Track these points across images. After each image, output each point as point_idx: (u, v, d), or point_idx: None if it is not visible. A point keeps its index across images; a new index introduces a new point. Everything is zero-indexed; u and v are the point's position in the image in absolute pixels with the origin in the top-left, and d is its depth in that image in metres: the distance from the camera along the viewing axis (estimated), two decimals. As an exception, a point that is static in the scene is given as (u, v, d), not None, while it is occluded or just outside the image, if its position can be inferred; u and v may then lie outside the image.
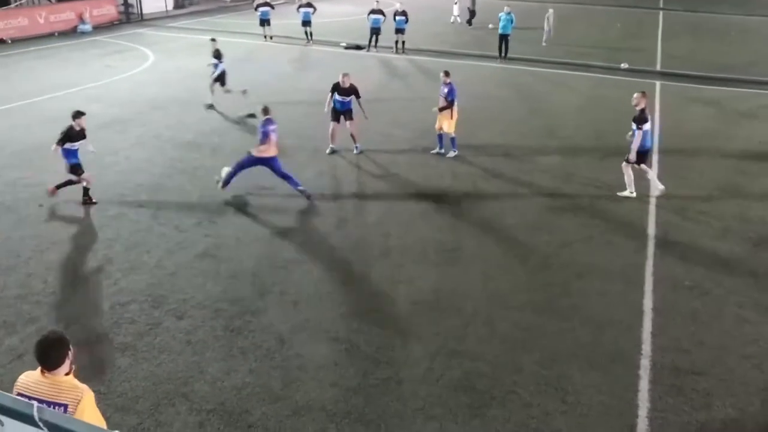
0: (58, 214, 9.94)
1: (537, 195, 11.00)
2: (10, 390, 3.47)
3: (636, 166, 10.68)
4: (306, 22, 24.08)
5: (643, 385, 6.43)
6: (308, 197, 10.52)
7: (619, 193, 10.84)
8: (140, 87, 17.67)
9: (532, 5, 34.27)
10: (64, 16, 26.40)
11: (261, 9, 24.75)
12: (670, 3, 38.01)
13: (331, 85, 12.72)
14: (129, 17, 29.41)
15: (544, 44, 23.96)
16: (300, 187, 10.57)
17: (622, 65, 20.97)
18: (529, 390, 6.31)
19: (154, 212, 10.05)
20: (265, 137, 10.23)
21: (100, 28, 26.87)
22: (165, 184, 11.17)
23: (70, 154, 10.10)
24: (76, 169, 10.18)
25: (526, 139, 13.95)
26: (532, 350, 6.91)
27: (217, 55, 15.66)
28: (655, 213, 10.35)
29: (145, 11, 30.16)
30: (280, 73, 19.65)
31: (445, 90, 12.30)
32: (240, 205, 10.34)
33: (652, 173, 10.99)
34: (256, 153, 10.32)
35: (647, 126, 10.56)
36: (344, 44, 24.18)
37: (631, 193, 10.82)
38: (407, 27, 22.70)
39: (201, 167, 11.90)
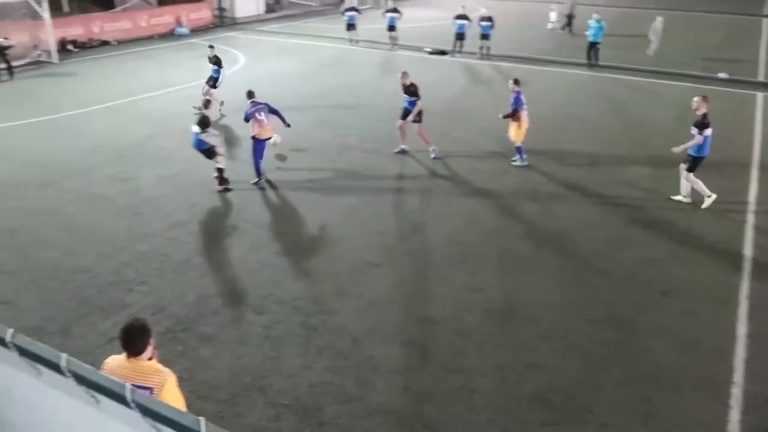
0: (150, 206, 10.45)
1: (622, 207, 10.62)
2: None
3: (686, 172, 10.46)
4: (391, 27, 24.27)
5: (734, 416, 6.04)
6: (258, 185, 11.13)
7: (672, 197, 10.71)
8: (231, 88, 18.31)
9: (624, 11, 33.18)
10: (164, 20, 27.84)
11: (348, 14, 25.23)
12: (776, 9, 35.70)
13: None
14: (223, 21, 30.66)
15: (651, 54, 22.66)
16: (256, 181, 11.22)
17: (720, 75, 19.89)
18: (607, 410, 6.08)
19: (239, 210, 10.40)
20: (246, 120, 11.22)
21: (196, 31, 28.15)
22: (250, 183, 11.51)
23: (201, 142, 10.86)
24: (211, 153, 10.99)
25: (613, 148, 13.49)
26: (611, 368, 6.66)
27: (217, 62, 15.75)
28: (753, 231, 9.74)
29: (237, 15, 31.39)
30: (362, 78, 19.90)
31: (512, 98, 12.14)
32: (318, 208, 10.53)
33: (701, 184, 10.52)
34: (257, 136, 11.19)
35: (708, 132, 10.20)
36: (428, 49, 24.19)
37: (708, 197, 10.46)
38: (492, 33, 22.47)
39: (282, 167, 12.19)
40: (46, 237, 9.38)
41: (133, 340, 3.92)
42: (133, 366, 3.91)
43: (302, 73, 20.38)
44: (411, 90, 12.59)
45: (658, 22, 23.07)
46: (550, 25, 29.18)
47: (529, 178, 11.81)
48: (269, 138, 11.43)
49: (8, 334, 2.86)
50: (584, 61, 21.43)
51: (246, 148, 12.26)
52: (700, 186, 10.46)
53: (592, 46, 21.16)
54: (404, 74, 12.77)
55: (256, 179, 11.31)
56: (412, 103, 12.65)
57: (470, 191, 11.27)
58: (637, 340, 7.12)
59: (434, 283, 8.27)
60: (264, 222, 9.95)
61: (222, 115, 15.54)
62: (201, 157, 11.77)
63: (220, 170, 11.10)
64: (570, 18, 27.99)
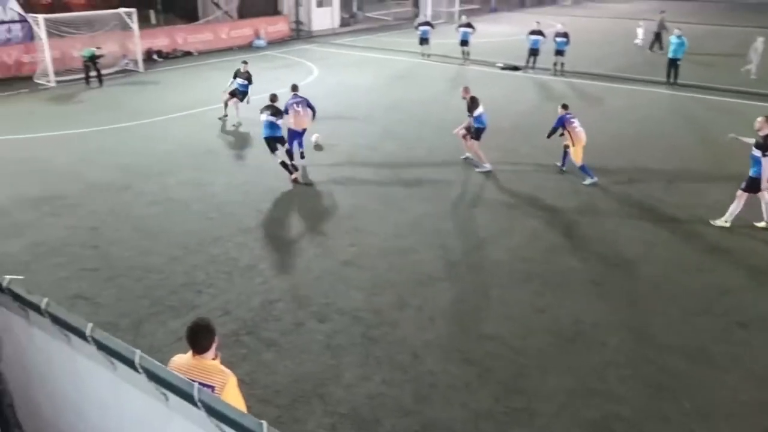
0: (221, 212, 10.80)
1: (699, 231, 10.18)
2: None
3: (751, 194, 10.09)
4: (464, 42, 24.27)
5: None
6: (296, 177, 11.99)
7: (713, 221, 10.34)
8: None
9: (711, 29, 31.99)
10: (243, 32, 28.86)
11: (421, 28, 25.41)
12: None
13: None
14: (299, 34, 31.51)
15: (752, 76, 21.37)
16: (297, 162, 12.39)
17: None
18: (674, 443, 5.82)
19: (304, 219, 10.61)
20: (286, 111, 12.31)
21: (273, 43, 29.03)
22: (317, 192, 11.74)
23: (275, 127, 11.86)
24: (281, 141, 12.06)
25: (690, 169, 12.96)
26: (681, 400, 6.36)
27: (248, 77, 15.93)
28: (842, 264, 9.12)
29: (313, 29, 32.17)
30: (433, 92, 19.94)
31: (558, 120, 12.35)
32: (382, 220, 10.60)
33: None
34: (293, 127, 12.45)
35: None
36: (501, 64, 24.03)
37: (726, 222, 10.25)
38: (567, 49, 22.11)
39: (352, 179, 12.37)
40: (124, 237, 9.85)
41: (199, 339, 4.10)
42: (197, 364, 4.07)
43: (373, 85, 20.64)
44: (470, 104, 12.88)
45: (759, 42, 21.81)
46: (638, 42, 28.28)
47: (599, 197, 11.51)
48: (305, 129, 12.78)
49: (88, 328, 3.03)
50: (664, 78, 20.74)
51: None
52: (736, 209, 10.14)
53: (672, 62, 20.44)
54: (465, 89, 13.24)
55: (291, 163, 12.28)
56: (477, 119, 12.81)
57: (536, 208, 11.07)
58: (710, 373, 6.78)
59: (497, 301, 8.15)
60: (328, 231, 10.10)
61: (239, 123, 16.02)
62: (269, 165, 12.12)
63: (285, 163, 12.02)
64: (658, 35, 26.86)
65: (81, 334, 3.04)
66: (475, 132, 12.81)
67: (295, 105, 12.52)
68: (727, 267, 9.06)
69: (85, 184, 12.01)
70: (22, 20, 21.62)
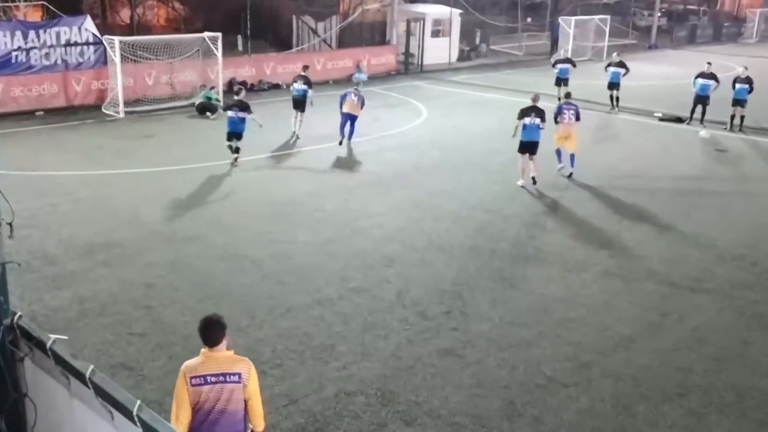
0: (300, 277, 11.02)
1: None
2: None
3: None
4: (613, 85, 24.03)
5: None
6: (340, 143, 18.73)
7: None
8: (408, 146, 19.17)
9: None
10: (342, 64, 30.17)
11: (560, 66, 25.50)
12: None
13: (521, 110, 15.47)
14: (408, 68, 32.47)
15: None
16: (347, 138, 18.83)
17: None
18: None
19: (400, 291, 10.60)
20: (343, 99, 18.80)
21: (376, 77, 30.03)
22: (416, 260, 11.77)
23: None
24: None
25: None
26: None
27: (306, 81, 19.77)
28: None
29: (426, 62, 33.03)
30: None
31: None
32: (498, 301, 10.41)
33: None
34: (348, 111, 18.58)
35: None
36: (660, 114, 23.53)
37: None
38: (749, 98, 21.31)
39: (459, 246, 12.32)
40: (182, 298, 10.22)
41: (213, 331, 5.28)
42: (216, 356, 5.28)
43: (493, 133, 20.66)
44: (537, 112, 15.50)
45: None
46: None
47: None
48: (352, 113, 18.65)
49: (135, 406, 3.11)
50: None
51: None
52: None
53: None
54: (536, 96, 16.11)
55: (340, 139, 18.63)
56: (537, 128, 15.38)
57: (701, 303, 10.51)
58: None
59: (641, 421, 7.69)
60: (427, 311, 10.02)
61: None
62: (359, 223, 12.43)
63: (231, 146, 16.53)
64: None
65: (127, 413, 3.12)
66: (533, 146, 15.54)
67: (350, 96, 18.81)
68: None
69: (147, 231, 12.70)
70: (97, 42, 23.64)
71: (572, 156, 16.51)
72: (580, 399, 8.06)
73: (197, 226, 12.96)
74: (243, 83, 26.66)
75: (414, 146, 19.18)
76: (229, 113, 16.72)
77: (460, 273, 11.30)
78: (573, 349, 9.10)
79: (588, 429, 7.55)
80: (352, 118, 18.73)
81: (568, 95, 17.17)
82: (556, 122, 16.39)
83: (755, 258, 12.11)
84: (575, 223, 13.66)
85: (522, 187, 15.61)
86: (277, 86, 27.78)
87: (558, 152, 16.62)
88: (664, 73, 32.50)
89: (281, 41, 31.72)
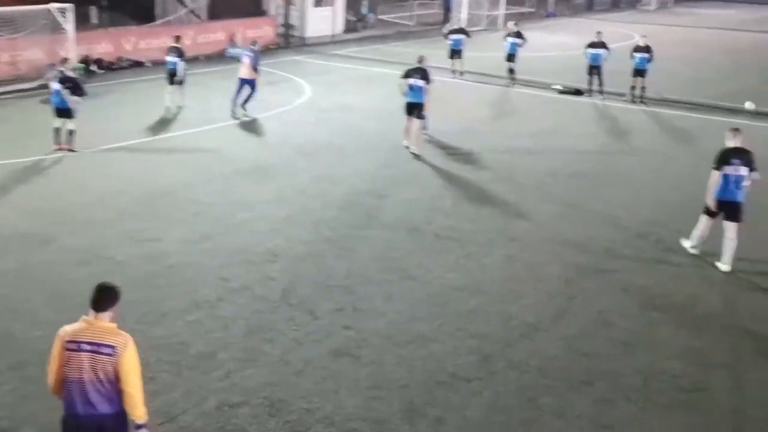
0: (172, 280, 10.78)
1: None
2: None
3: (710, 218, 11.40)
4: (511, 57, 24.67)
5: None
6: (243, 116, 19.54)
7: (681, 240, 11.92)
8: (291, 127, 19.06)
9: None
10: (214, 38, 29.63)
11: (453, 37, 25.89)
12: None
13: None
14: (288, 42, 32.21)
15: None
16: (241, 108, 19.62)
17: None
18: None
19: (286, 289, 10.54)
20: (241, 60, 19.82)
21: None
22: (304, 253, 11.73)
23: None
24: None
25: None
26: None
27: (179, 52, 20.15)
28: None
29: (308, 35, 32.86)
30: (466, 122, 20.14)
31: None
32: (394, 294, 10.53)
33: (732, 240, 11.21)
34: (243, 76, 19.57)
35: (729, 169, 11.10)
36: (559, 87, 24.34)
37: (692, 248, 11.87)
38: (650, 68, 22.33)
39: (350, 236, 12.37)
40: (35, 310, 9.76)
41: (102, 295, 5.57)
42: (95, 323, 5.49)
43: (384, 111, 20.81)
44: (420, 73, 16.61)
45: None
46: None
47: (700, 273, 11.41)
48: (245, 77, 19.66)
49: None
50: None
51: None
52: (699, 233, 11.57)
53: None
54: (421, 57, 17.18)
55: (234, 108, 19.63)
56: (420, 90, 16.51)
57: (606, 286, 10.97)
58: None
59: (548, 412, 7.97)
60: (315, 309, 10.01)
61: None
62: (238, 215, 12.30)
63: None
64: None
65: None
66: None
67: (244, 58, 19.83)
68: None
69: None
70: None
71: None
72: (484, 394, 8.26)
73: (53, 228, 12.39)
74: (98, 61, 25.79)
75: (297, 128, 19.07)
76: (55, 86, 16.22)
77: (352, 265, 11.34)
78: (475, 342, 9.31)
79: (493, 425, 7.75)
80: (247, 83, 19.55)
81: (420, 60, 17.48)
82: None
83: (661, 235, 12.73)
84: (474, 206, 13.94)
85: (407, 147, 17.03)
86: (139, 64, 26.99)
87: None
88: (563, 42, 33.64)
89: (143, 13, 30.72)
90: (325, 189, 14.61)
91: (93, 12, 29.48)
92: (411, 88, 16.66)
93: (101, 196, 13.93)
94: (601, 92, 23.16)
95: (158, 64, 26.96)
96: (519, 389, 8.39)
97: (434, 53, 27.99)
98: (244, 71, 19.59)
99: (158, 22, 30.19)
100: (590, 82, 23.33)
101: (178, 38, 21.11)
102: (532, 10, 46.17)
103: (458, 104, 22.12)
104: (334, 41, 33.62)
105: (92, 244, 11.83)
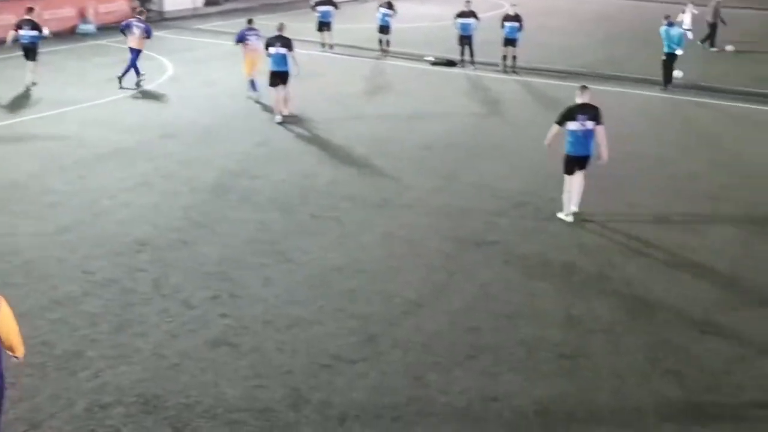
0: (30, 277, 10.37)
1: (703, 281, 10.70)
2: None
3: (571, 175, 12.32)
4: (384, 28, 24.82)
5: None
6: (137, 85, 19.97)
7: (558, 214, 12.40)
8: (153, 108, 18.58)
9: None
10: (62, 13, 28.37)
11: (320, 9, 25.79)
12: None
13: None
14: (146, 16, 31.22)
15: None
16: (137, 79, 20.09)
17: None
18: None
19: (157, 279, 10.34)
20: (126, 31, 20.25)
21: (106, 29, 28.55)
22: (174, 241, 11.52)
23: None
24: None
25: (694, 201, 13.70)
26: None
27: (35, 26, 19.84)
28: None
29: (166, 9, 32.02)
30: (337, 97, 20.19)
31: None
32: (272, 278, 10.50)
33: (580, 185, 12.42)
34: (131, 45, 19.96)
35: (574, 125, 12.27)
36: (431, 58, 24.71)
37: (566, 216, 12.52)
38: (520, 37, 22.99)
39: (224, 219, 12.23)
40: None
41: None
42: None
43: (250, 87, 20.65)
44: (282, 41, 17.28)
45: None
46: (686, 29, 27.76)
47: (575, 240, 11.89)
48: (137, 47, 20.12)
49: None
50: (654, 77, 21.89)
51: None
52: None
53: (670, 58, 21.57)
54: (281, 25, 17.88)
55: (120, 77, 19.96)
56: (283, 58, 17.34)
57: (487, 258, 11.29)
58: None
59: (435, 389, 8.16)
60: (192, 296, 9.88)
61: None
62: (100, 204, 11.99)
63: None
64: (714, 28, 27.60)
65: None
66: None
67: (134, 28, 19.96)
68: (743, 327, 9.52)
69: None
70: None
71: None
72: (370, 375, 8.37)
73: None
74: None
75: (159, 108, 18.63)
76: None
77: (226, 251, 11.22)
78: (358, 322, 9.42)
79: (380, 406, 7.86)
80: (136, 54, 20.12)
81: (250, 21, 19.78)
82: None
83: (537, 204, 13.20)
84: (350, 183, 14.02)
85: (280, 123, 17.38)
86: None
87: (252, 83, 19.41)
88: (433, 13, 34.06)
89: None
90: (193, 172, 14.35)
91: None
92: (273, 56, 17.30)
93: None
94: (472, 63, 23.69)
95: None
96: (404, 368, 8.55)
97: (303, 26, 27.94)
98: (135, 41, 19.94)
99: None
100: (462, 53, 23.82)
101: (30, 9, 20.35)
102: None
103: (329, 78, 22.15)
104: (195, 15, 32.90)
105: (-64, 242, 11.23)
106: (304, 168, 14.79)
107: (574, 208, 12.47)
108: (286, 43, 17.31)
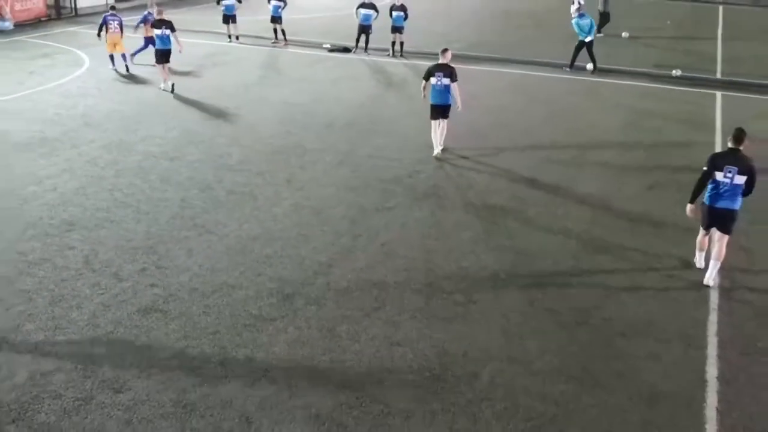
0: (-36, 258, 9.92)
1: (571, 232, 11.10)
2: None
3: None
4: (275, 18, 24.62)
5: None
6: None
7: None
8: (72, 99, 17.82)
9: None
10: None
11: (225, 3, 25.16)
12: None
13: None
14: (60, 13, 29.84)
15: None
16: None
17: (674, 72, 21.33)
18: (563, 482, 6.26)
19: (87, 256, 10.04)
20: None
21: (23, 25, 27.18)
22: (101, 220, 11.19)
23: None
24: None
25: (556, 163, 14.13)
26: (565, 430, 6.87)
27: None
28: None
29: (80, 5, 30.63)
30: (246, 82, 19.89)
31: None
32: (195, 249, 10.35)
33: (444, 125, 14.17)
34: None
35: (433, 80, 14.13)
36: (328, 46, 24.57)
37: (436, 153, 14.37)
38: (406, 24, 23.14)
39: (147, 200, 11.94)
40: None
41: None
42: None
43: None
44: (166, 24, 18.38)
45: None
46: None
47: (460, 200, 12.13)
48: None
49: None
50: (512, 56, 22.33)
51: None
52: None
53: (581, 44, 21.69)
54: (159, 10, 19.31)
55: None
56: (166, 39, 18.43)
57: (386, 222, 11.42)
58: (595, 394, 7.39)
59: (346, 339, 8.26)
60: (122, 269, 9.65)
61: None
62: (27, 190, 11.48)
63: None
64: (604, 16, 27.31)
65: None
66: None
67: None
68: (606, 269, 9.97)
69: None
70: None
71: (123, 55, 20.66)
72: (288, 330, 8.41)
73: None
74: None
75: (79, 98, 17.86)
76: None
77: (152, 227, 10.98)
78: (275, 284, 9.42)
79: (298, 357, 7.93)
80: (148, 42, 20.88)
81: (113, 8, 21.18)
82: (99, 33, 20.42)
83: (428, 173, 13.41)
84: (259, 161, 13.86)
85: (164, 89, 18.54)
86: None
87: (111, 57, 20.58)
88: (332, 5, 33.76)
89: None
90: (115, 157, 13.90)
91: None
92: (159, 37, 18.49)
93: None
94: (366, 49, 23.70)
95: None
96: (318, 322, 8.62)
97: (211, 19, 27.29)
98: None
99: None
100: (358, 40, 23.78)
101: None
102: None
103: (235, 67, 21.76)
104: (107, 11, 31.47)
105: None
106: (216, 149, 14.53)
107: (440, 147, 14.39)
108: (169, 25, 18.43)
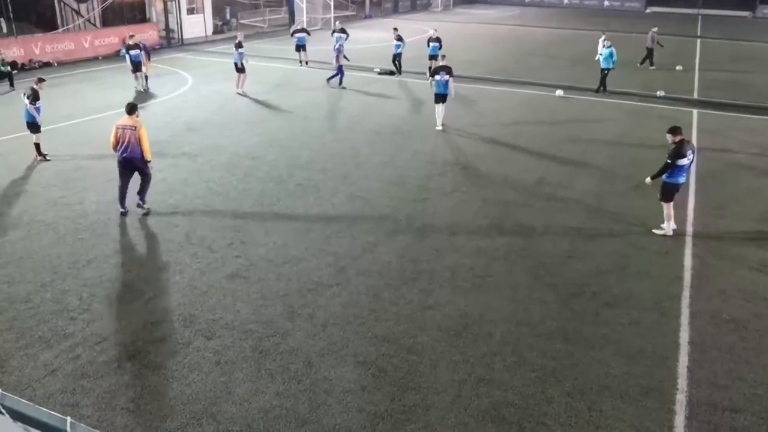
0: (95, 233, 10.17)
1: (569, 223, 10.92)
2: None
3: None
4: (299, 47, 24.96)
5: (679, 420, 6.25)
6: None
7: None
8: (177, 110, 18.12)
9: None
10: (108, 41, 27.35)
11: (297, 35, 25.33)
12: (709, 31, 37.58)
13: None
14: (170, 42, 30.30)
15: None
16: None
17: (659, 93, 20.78)
18: (559, 421, 6.19)
19: (188, 233, 10.22)
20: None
21: (142, 52, 27.64)
22: (199, 205, 11.38)
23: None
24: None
25: (558, 166, 13.88)
26: (562, 380, 6.79)
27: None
28: (692, 245, 10.15)
29: (185, 36, 31.07)
30: (312, 98, 19.94)
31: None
32: (271, 229, 10.46)
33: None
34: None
35: (437, 77, 15.64)
36: (378, 70, 24.53)
37: (437, 127, 15.67)
38: (440, 53, 22.90)
39: (234, 189, 12.10)
40: (-18, 266, 8.98)
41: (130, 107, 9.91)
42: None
43: (251, 92, 20.26)
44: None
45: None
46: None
47: (479, 197, 12.02)
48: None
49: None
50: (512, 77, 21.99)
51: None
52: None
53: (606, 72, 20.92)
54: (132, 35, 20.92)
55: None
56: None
57: (420, 210, 11.36)
58: (585, 352, 7.28)
59: (387, 302, 8.27)
60: (214, 243, 9.80)
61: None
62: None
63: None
64: (649, 51, 25.87)
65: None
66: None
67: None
68: (596, 253, 9.78)
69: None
70: None
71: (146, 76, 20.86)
72: (342, 295, 8.45)
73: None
74: (13, 63, 23.30)
75: (184, 109, 18.16)
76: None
77: (237, 211, 11.12)
78: (332, 258, 9.46)
79: (349, 316, 7.97)
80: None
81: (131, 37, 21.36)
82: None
83: (454, 171, 13.28)
84: (322, 160, 13.88)
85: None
86: (48, 64, 24.64)
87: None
88: (378, 37, 33.62)
89: (46, 22, 27.85)
90: (211, 156, 14.10)
91: (1, 23, 26.39)
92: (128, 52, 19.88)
93: (25, 174, 12.79)
94: (399, 72, 23.80)
95: (64, 64, 24.85)
96: (366, 288, 8.64)
97: (284, 48, 27.42)
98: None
99: (60, 30, 27.44)
100: (398, 66, 23.83)
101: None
102: (354, 13, 45.82)
103: (304, 87, 21.81)
104: (206, 41, 31.93)
105: (22, 211, 10.90)
106: (289, 151, 14.63)
107: (440, 123, 16.15)
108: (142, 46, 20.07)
